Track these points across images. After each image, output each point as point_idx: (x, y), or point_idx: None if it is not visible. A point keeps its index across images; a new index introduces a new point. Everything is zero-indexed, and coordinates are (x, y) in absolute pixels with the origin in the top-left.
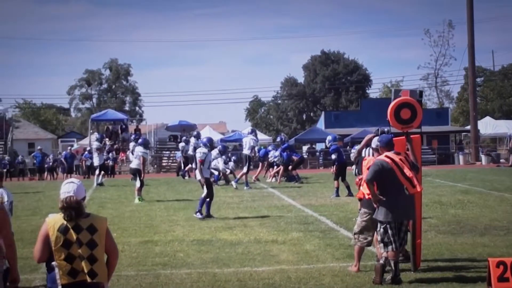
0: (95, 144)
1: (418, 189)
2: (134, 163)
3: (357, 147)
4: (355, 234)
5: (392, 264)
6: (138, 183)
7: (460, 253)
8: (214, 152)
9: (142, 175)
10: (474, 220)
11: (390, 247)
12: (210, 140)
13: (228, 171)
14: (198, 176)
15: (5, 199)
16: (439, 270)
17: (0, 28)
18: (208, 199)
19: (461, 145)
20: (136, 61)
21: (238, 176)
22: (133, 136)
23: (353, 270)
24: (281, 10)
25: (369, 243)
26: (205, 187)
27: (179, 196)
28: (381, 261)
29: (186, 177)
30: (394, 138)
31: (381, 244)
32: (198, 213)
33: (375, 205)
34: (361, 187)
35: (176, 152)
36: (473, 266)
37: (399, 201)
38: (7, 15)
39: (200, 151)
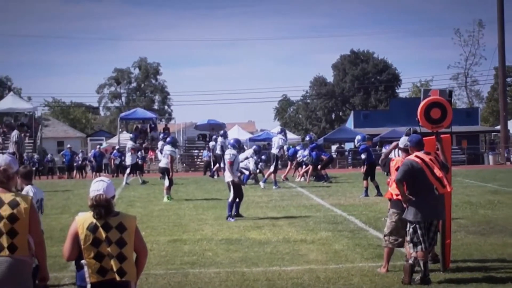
0: (130, 144)
1: (448, 189)
2: (163, 162)
3: (384, 150)
4: (385, 236)
5: (422, 264)
6: (167, 182)
7: (490, 254)
8: (249, 152)
9: (171, 173)
10: (504, 221)
11: (419, 247)
12: (238, 141)
13: (258, 170)
14: (228, 178)
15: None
16: (469, 271)
17: (31, 27)
18: (237, 200)
19: (493, 145)
20: (166, 60)
21: (265, 176)
22: (162, 135)
23: (382, 272)
24: (311, 10)
25: (400, 245)
26: (232, 189)
27: (208, 195)
28: (410, 261)
29: (215, 177)
30: (424, 138)
31: (411, 244)
32: (229, 218)
33: (404, 205)
34: (389, 188)
35: (203, 151)
36: (503, 267)
37: (428, 201)
38: (38, 14)
39: (229, 153)
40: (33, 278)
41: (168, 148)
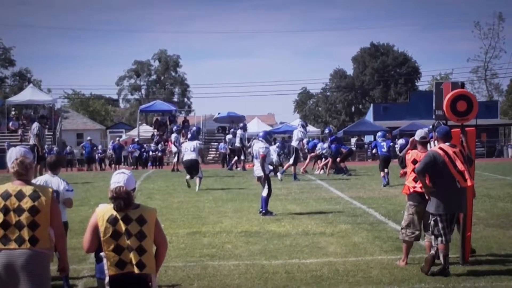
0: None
1: (469, 184)
2: (191, 155)
3: (400, 141)
4: (402, 229)
5: (442, 257)
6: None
7: (509, 247)
8: (273, 147)
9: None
10: None
11: (439, 239)
12: (269, 133)
13: (279, 162)
14: (259, 172)
15: (61, 187)
16: (488, 263)
17: (51, 19)
18: (266, 195)
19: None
20: (185, 52)
21: (284, 168)
22: (175, 127)
23: (401, 265)
24: (331, 2)
25: (417, 238)
26: (266, 184)
27: (227, 188)
28: (433, 251)
29: (235, 169)
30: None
31: (432, 236)
32: (267, 214)
33: (427, 197)
34: (406, 182)
35: (220, 143)
36: None
37: (450, 193)
38: (58, 7)
39: (262, 146)
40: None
41: (197, 142)
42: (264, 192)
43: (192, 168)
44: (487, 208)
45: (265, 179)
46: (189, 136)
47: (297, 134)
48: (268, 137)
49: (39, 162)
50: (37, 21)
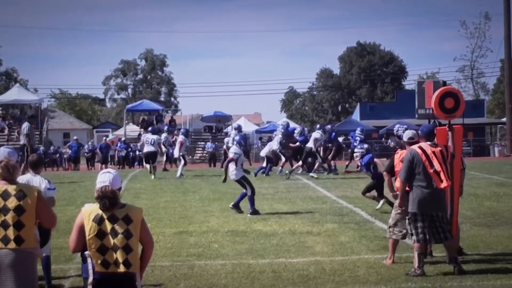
0: (181, 138)
1: (444, 185)
2: (150, 148)
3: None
4: (389, 227)
5: (416, 255)
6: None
7: (496, 246)
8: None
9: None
10: (510, 213)
11: (413, 238)
12: (244, 139)
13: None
14: (233, 176)
15: (43, 186)
16: (474, 262)
17: (37, 19)
18: (245, 192)
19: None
20: (172, 52)
21: (293, 167)
22: (166, 127)
23: (387, 263)
24: (317, 2)
25: (404, 236)
26: (245, 184)
27: (214, 187)
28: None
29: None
30: (437, 128)
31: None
32: (255, 214)
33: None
34: (396, 181)
35: (207, 143)
36: (508, 259)
37: (426, 193)
38: (45, 6)
39: (234, 151)
40: (47, 268)
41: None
42: (248, 192)
43: (150, 157)
44: (473, 207)
45: (244, 181)
46: (150, 129)
47: (315, 135)
48: (243, 142)
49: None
50: (23, 21)
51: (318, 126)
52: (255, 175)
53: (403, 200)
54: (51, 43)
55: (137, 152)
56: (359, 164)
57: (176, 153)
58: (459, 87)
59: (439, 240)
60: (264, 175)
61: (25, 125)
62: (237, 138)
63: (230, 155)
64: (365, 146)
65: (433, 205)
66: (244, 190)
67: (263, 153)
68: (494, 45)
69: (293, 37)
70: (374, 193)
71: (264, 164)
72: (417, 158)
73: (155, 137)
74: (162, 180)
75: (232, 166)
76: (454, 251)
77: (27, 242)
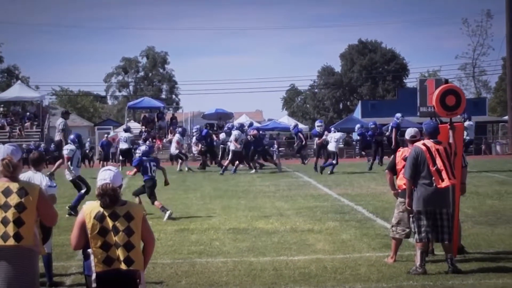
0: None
1: (445, 184)
2: (125, 145)
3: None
4: (392, 226)
5: (418, 254)
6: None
7: (497, 244)
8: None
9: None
10: None
11: (416, 236)
12: (78, 136)
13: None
14: (68, 176)
15: (43, 183)
16: (476, 261)
17: (38, 16)
18: (83, 193)
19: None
20: (173, 49)
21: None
22: (180, 129)
23: (389, 262)
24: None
25: (407, 235)
26: (81, 185)
27: (215, 185)
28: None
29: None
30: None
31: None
32: (72, 210)
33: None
34: (397, 179)
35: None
36: (510, 257)
37: (428, 190)
38: (46, 3)
39: (68, 148)
40: (48, 265)
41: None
42: (83, 190)
43: (126, 155)
44: (475, 206)
45: (79, 181)
46: (124, 127)
47: (339, 137)
48: (77, 140)
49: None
50: (25, 18)
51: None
52: (321, 170)
53: (410, 198)
54: (52, 40)
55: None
56: None
57: (172, 151)
58: (461, 85)
59: (439, 240)
60: (329, 172)
61: (60, 121)
62: (72, 136)
63: (65, 152)
64: None
65: (437, 201)
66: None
67: (332, 148)
68: (496, 43)
69: (294, 35)
70: None
71: (334, 161)
72: (421, 155)
73: (127, 135)
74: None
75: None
76: (451, 251)
77: (26, 239)
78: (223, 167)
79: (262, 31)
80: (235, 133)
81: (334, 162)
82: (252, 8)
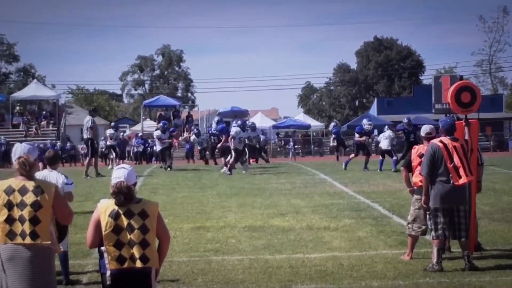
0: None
1: (462, 181)
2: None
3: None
4: (408, 223)
5: (435, 251)
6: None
7: None
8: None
9: None
10: None
11: (432, 234)
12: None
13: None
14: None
15: (60, 181)
16: (493, 258)
17: (54, 15)
18: None
19: None
20: (189, 47)
21: (348, 158)
22: (209, 130)
23: (405, 259)
24: None
25: (424, 232)
26: None
27: (231, 183)
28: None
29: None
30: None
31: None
32: None
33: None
34: (413, 176)
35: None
36: None
37: (445, 187)
38: (62, 2)
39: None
40: (64, 263)
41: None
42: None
43: (113, 150)
44: (492, 202)
45: None
46: (112, 124)
47: (388, 135)
48: None
49: (93, 156)
50: (40, 17)
51: (388, 127)
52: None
53: (427, 196)
54: (68, 39)
55: (154, 148)
56: None
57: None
58: (477, 81)
59: (456, 237)
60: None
61: (88, 119)
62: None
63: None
64: None
65: (454, 198)
66: None
67: (385, 146)
68: None
69: (310, 32)
70: None
71: (394, 157)
72: (438, 152)
73: (112, 131)
74: (179, 176)
75: None
76: (468, 248)
77: (42, 237)
78: (230, 167)
79: (278, 28)
80: (233, 130)
81: (394, 158)
82: (266, 5)
